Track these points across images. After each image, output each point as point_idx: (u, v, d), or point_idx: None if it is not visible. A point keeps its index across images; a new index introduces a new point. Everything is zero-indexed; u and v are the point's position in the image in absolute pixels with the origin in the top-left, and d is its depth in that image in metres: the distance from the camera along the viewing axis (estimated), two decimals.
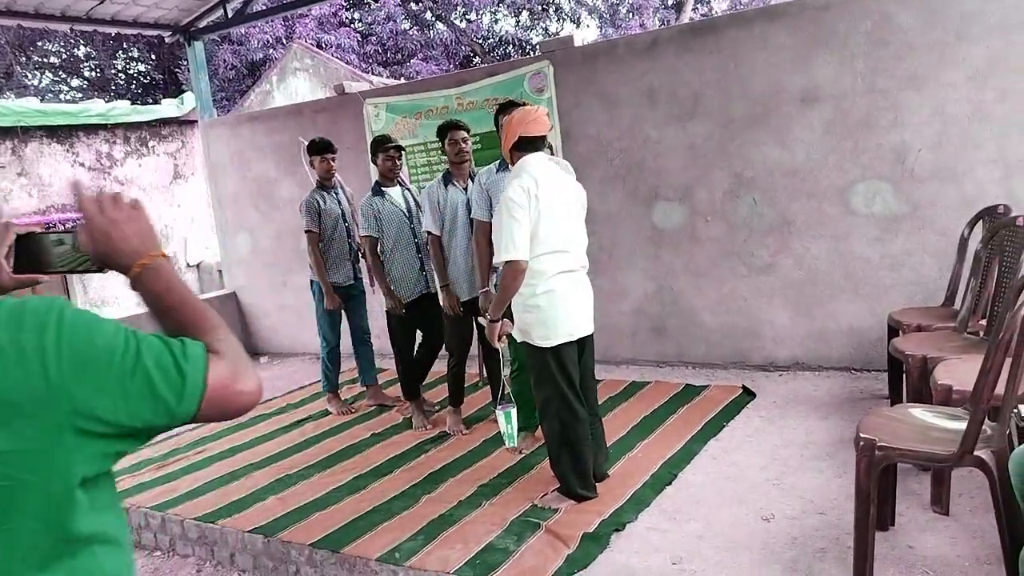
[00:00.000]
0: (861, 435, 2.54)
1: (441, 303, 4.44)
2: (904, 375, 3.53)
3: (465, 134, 4.29)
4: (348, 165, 6.25)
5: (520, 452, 4.13)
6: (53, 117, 9.86)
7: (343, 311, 5.26)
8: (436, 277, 4.44)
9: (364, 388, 5.54)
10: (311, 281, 5.23)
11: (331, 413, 5.31)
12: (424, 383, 5.02)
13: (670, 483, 3.56)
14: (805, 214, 4.90)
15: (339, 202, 5.15)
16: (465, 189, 4.32)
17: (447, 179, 4.36)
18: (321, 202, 5.05)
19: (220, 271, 9.13)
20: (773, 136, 4.93)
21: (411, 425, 4.81)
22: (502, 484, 3.78)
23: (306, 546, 3.40)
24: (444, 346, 4.65)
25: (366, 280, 5.34)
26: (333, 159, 5.12)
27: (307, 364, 7.08)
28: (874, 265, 4.75)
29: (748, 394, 4.66)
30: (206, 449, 4.92)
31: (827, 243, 4.86)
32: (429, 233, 4.37)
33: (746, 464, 3.68)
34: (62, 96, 19.70)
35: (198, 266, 11.44)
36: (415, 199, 4.77)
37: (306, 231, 5.03)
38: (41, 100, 12.57)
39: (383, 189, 4.69)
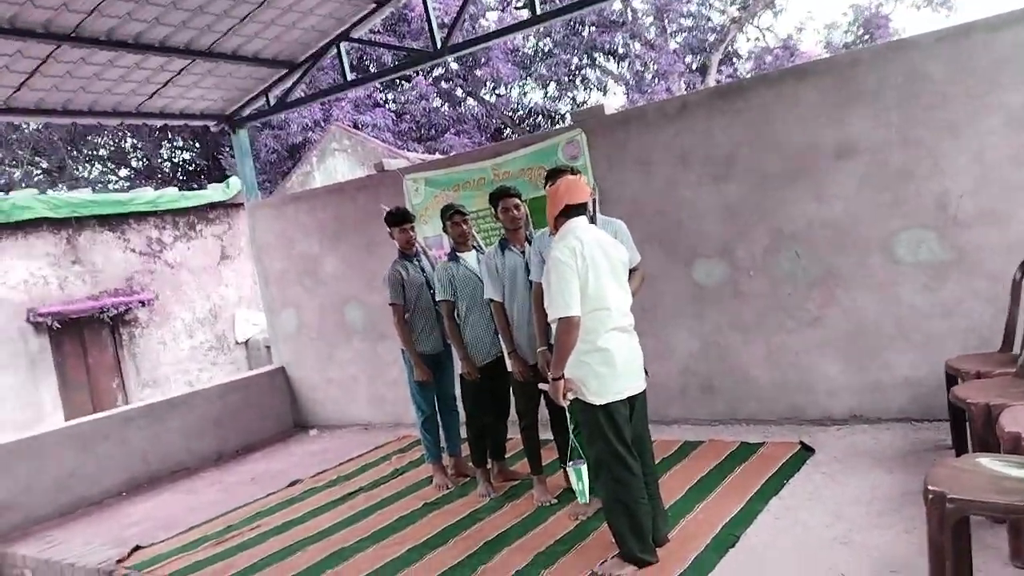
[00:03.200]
0: (930, 488, 2.48)
1: (509, 368, 4.40)
2: (967, 424, 3.45)
3: (517, 200, 4.33)
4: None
5: (577, 518, 4.08)
6: (105, 206, 10.28)
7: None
8: (503, 344, 4.41)
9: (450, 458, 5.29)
10: (402, 351, 5.10)
11: (435, 483, 5.08)
12: (507, 456, 5.01)
13: (733, 545, 3.48)
14: (849, 266, 4.87)
15: (423, 270, 5.09)
16: (523, 253, 4.34)
17: (504, 245, 4.39)
18: (404, 273, 5.00)
19: (268, 347, 9.28)
20: (809, 191, 4.95)
21: (464, 493, 4.80)
22: (559, 551, 3.73)
23: None
24: (516, 410, 4.57)
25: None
26: (412, 228, 5.12)
27: (355, 435, 7.11)
28: (924, 313, 4.68)
29: (806, 450, 4.56)
30: (261, 525, 4.94)
31: (874, 293, 4.81)
32: (491, 300, 4.37)
33: (811, 522, 3.59)
34: (111, 186, 20.51)
35: (246, 343, 11.65)
36: None
37: (390, 304, 4.99)
38: (93, 191, 13.10)
39: (458, 255, 4.77)
